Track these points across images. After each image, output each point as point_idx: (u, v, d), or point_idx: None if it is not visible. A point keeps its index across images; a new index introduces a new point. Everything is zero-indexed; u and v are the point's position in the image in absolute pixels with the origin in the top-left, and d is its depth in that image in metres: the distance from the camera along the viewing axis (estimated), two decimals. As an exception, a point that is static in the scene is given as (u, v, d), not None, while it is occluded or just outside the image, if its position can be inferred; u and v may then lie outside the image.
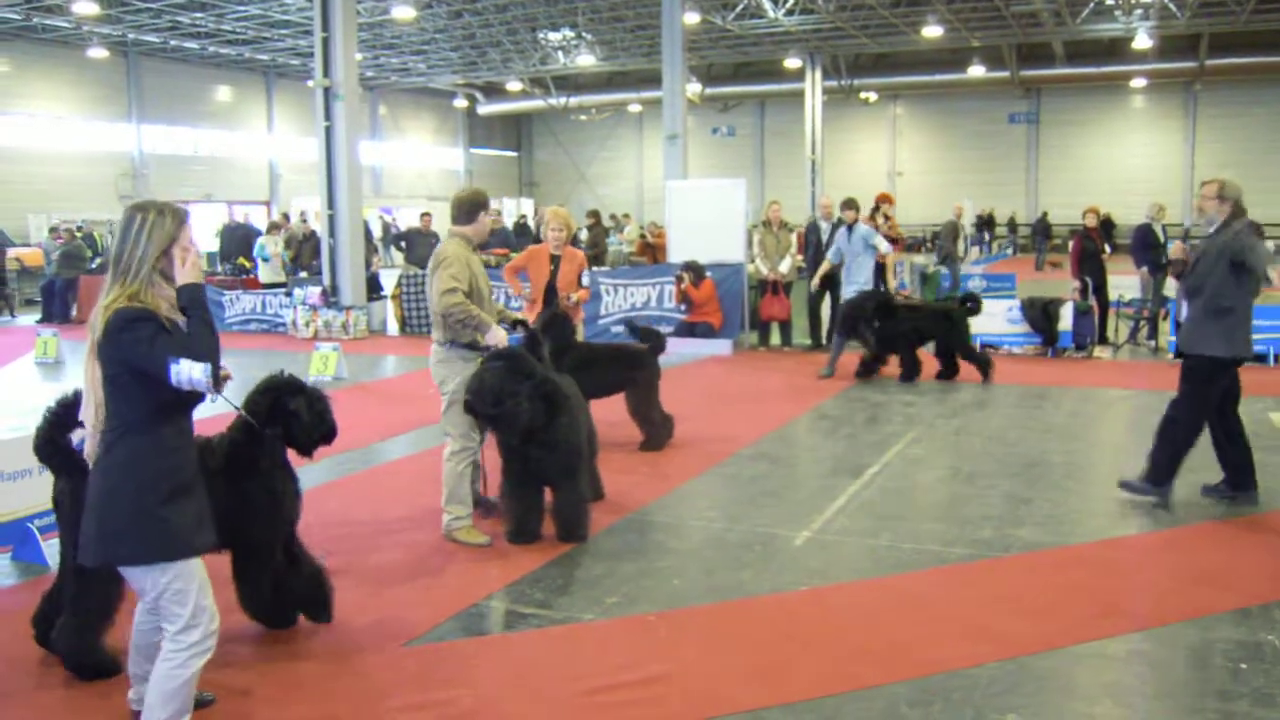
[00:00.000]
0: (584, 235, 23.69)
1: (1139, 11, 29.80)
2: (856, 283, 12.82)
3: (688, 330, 15.26)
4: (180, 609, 3.75)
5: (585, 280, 9.14)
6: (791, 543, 6.59)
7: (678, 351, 14.61)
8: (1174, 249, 7.99)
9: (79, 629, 4.71)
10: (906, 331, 12.67)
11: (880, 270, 13.08)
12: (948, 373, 12.74)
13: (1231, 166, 41.57)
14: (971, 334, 12.99)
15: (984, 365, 12.61)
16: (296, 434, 5.00)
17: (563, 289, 8.93)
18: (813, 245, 14.97)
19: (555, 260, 9.03)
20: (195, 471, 3.90)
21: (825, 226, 13.59)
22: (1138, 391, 11.87)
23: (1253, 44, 35.74)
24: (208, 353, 3.65)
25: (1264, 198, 35.61)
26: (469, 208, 6.78)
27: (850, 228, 13.02)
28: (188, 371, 3.60)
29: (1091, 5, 29.16)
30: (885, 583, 5.94)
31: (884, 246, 13.00)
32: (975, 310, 13.02)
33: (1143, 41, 32.79)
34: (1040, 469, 8.55)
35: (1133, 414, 10.94)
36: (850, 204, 13.27)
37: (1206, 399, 7.39)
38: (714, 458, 8.89)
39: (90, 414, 3.80)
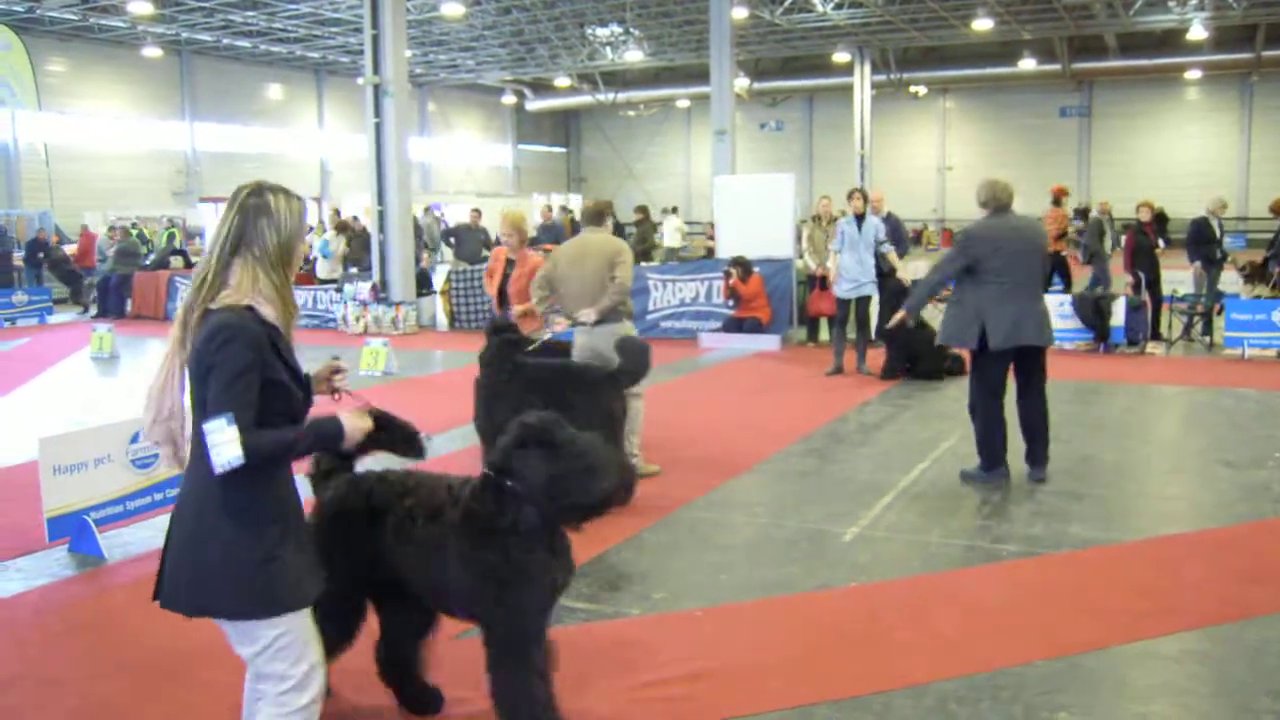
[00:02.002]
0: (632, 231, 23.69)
1: (1194, 2, 29.36)
2: (854, 279, 12.61)
3: (736, 325, 15.25)
4: (291, 668, 3.13)
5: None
6: (840, 539, 6.57)
7: (726, 346, 14.65)
8: None
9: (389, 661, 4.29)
10: (905, 342, 12.42)
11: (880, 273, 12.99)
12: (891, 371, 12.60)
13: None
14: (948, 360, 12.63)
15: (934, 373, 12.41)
16: (557, 502, 3.66)
17: (514, 295, 8.72)
18: None
19: (510, 265, 8.94)
20: (300, 504, 3.27)
21: (876, 221, 13.46)
22: (1191, 388, 11.73)
23: (1312, 34, 35.10)
24: (266, 451, 2.99)
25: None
26: (595, 214, 8.30)
27: (860, 219, 12.68)
28: (224, 442, 2.91)
29: (1145, -3, 28.78)
30: (934, 579, 5.92)
31: (891, 252, 13.08)
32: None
33: (1198, 33, 32.39)
34: (1092, 465, 8.47)
35: (1186, 411, 10.81)
36: (859, 193, 12.94)
37: None
38: (761, 454, 8.88)
39: (166, 420, 3.16)
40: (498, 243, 19.97)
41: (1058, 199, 17.77)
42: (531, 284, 8.21)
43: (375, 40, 17.93)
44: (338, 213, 24.62)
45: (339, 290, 18.67)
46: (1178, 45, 35.54)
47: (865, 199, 12.92)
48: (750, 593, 5.70)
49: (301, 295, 19.05)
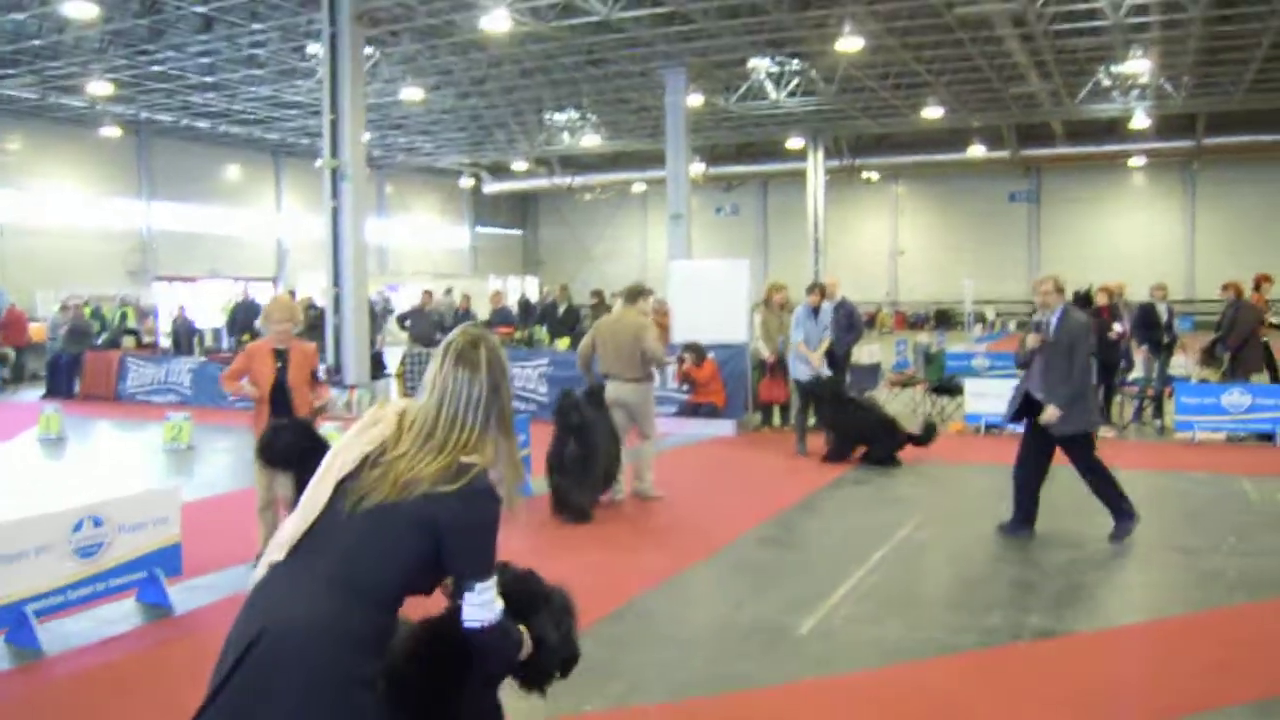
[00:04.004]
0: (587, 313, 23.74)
1: (1136, 92, 30.18)
2: (803, 357, 13.24)
3: (691, 411, 15.26)
4: None
5: (322, 375, 8.48)
6: (796, 631, 6.52)
7: (681, 432, 14.62)
8: None
9: None
10: (850, 426, 12.67)
11: (832, 357, 13.66)
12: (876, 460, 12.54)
13: (1230, 244, 41.98)
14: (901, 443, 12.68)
15: (884, 460, 12.44)
16: (538, 659, 3.34)
17: (296, 387, 7.82)
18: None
19: (281, 356, 7.88)
20: None
21: (827, 307, 13.76)
22: (1144, 472, 11.78)
23: (1248, 123, 36.18)
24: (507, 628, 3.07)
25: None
26: (635, 293, 10.45)
27: (816, 310, 13.41)
28: (489, 602, 2.97)
29: (1089, 86, 29.54)
30: (891, 673, 5.87)
31: (826, 339, 13.52)
32: (925, 442, 12.75)
33: (1140, 121, 33.25)
34: (1047, 552, 8.48)
35: (1140, 495, 10.78)
36: (819, 289, 13.79)
37: None
38: (718, 542, 8.83)
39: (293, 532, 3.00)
40: (542, 319, 19.73)
41: (1259, 284, 17.35)
42: (577, 352, 10.58)
43: (334, 124, 18.03)
44: (292, 294, 24.54)
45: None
46: (1122, 133, 36.45)
47: (823, 294, 13.66)
48: (708, 687, 5.62)
49: (255, 378, 18.88)
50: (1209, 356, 16.09)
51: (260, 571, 3.00)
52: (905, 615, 6.84)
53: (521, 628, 3.21)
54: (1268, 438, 13.56)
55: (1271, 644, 6.32)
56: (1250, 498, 10.43)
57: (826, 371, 13.23)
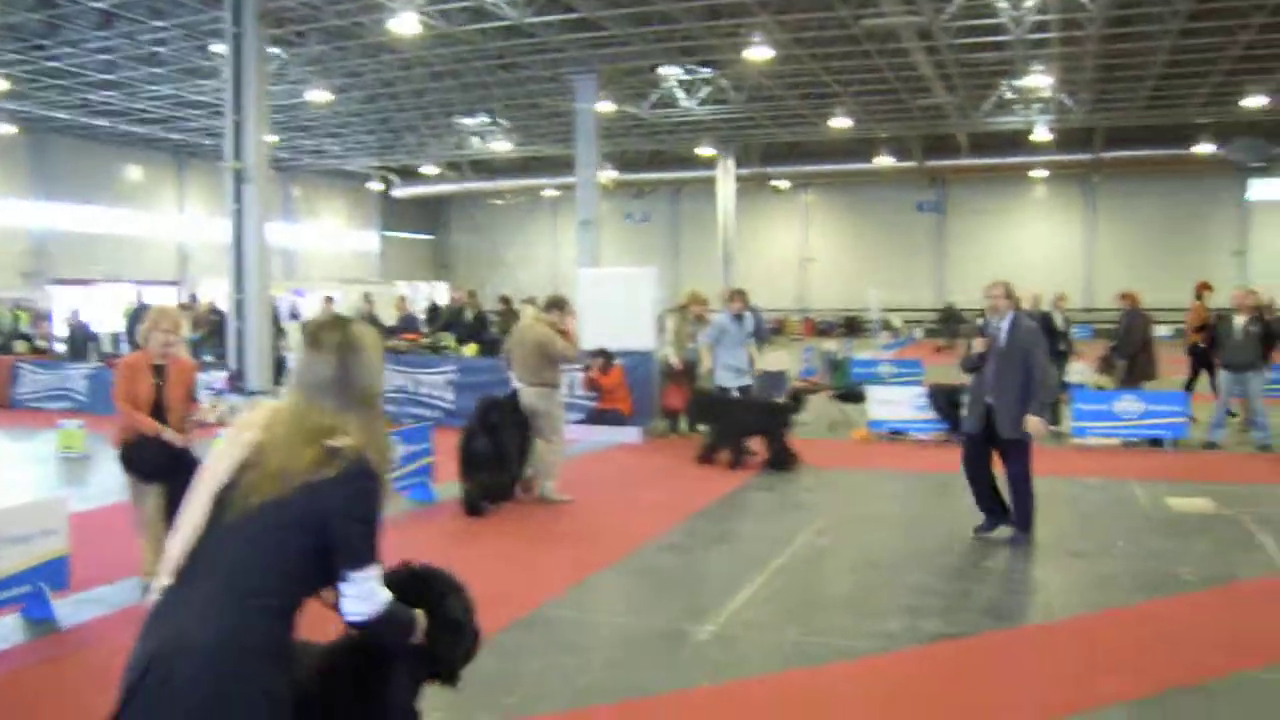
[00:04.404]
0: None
1: (1037, 105, 30.86)
2: (736, 369, 13.45)
3: (597, 418, 15.23)
4: None
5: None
6: (696, 637, 6.52)
7: (588, 439, 14.57)
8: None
9: None
10: (735, 423, 12.94)
11: None
12: (776, 463, 12.66)
13: (1128, 254, 43.16)
14: (792, 427, 13.01)
15: (784, 461, 12.57)
16: (444, 654, 3.33)
17: (173, 407, 7.36)
18: None
19: (160, 372, 7.35)
20: None
21: (750, 317, 14.01)
22: (1040, 478, 11.98)
23: (1146, 137, 37.25)
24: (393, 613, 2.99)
25: (1158, 284, 36.88)
26: (552, 303, 11.03)
27: (740, 317, 13.56)
28: (375, 592, 2.90)
29: (993, 99, 30.14)
30: (788, 678, 5.90)
31: (751, 345, 13.91)
32: (795, 409, 13.14)
33: (1042, 134, 33.99)
34: (945, 558, 8.62)
35: (1037, 499, 11.07)
36: (740, 295, 13.99)
37: None
38: (621, 550, 8.81)
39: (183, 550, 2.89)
40: (447, 327, 19.56)
41: (1199, 294, 17.61)
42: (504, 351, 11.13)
43: (237, 125, 17.66)
44: (193, 299, 24.07)
45: (192, 379, 18.11)
46: (1024, 145, 37.21)
47: (745, 301, 13.82)
48: (606, 696, 5.60)
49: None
50: (1105, 364, 16.49)
51: (153, 597, 2.90)
52: (804, 621, 6.88)
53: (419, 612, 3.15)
54: (1158, 443, 13.92)
55: (1157, 643, 6.47)
56: (1140, 502, 10.70)
57: (749, 368, 13.58)
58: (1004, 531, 9.05)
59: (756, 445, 12.93)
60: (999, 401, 8.79)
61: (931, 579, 7.93)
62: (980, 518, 9.20)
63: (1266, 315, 14.65)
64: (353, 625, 2.92)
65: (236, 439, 2.97)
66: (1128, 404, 14.15)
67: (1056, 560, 8.57)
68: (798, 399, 13.30)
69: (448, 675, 3.40)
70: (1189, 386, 16.08)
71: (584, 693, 5.64)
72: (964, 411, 10.75)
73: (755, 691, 5.72)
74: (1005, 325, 8.89)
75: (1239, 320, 13.64)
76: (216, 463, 2.94)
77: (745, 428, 12.88)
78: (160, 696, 2.68)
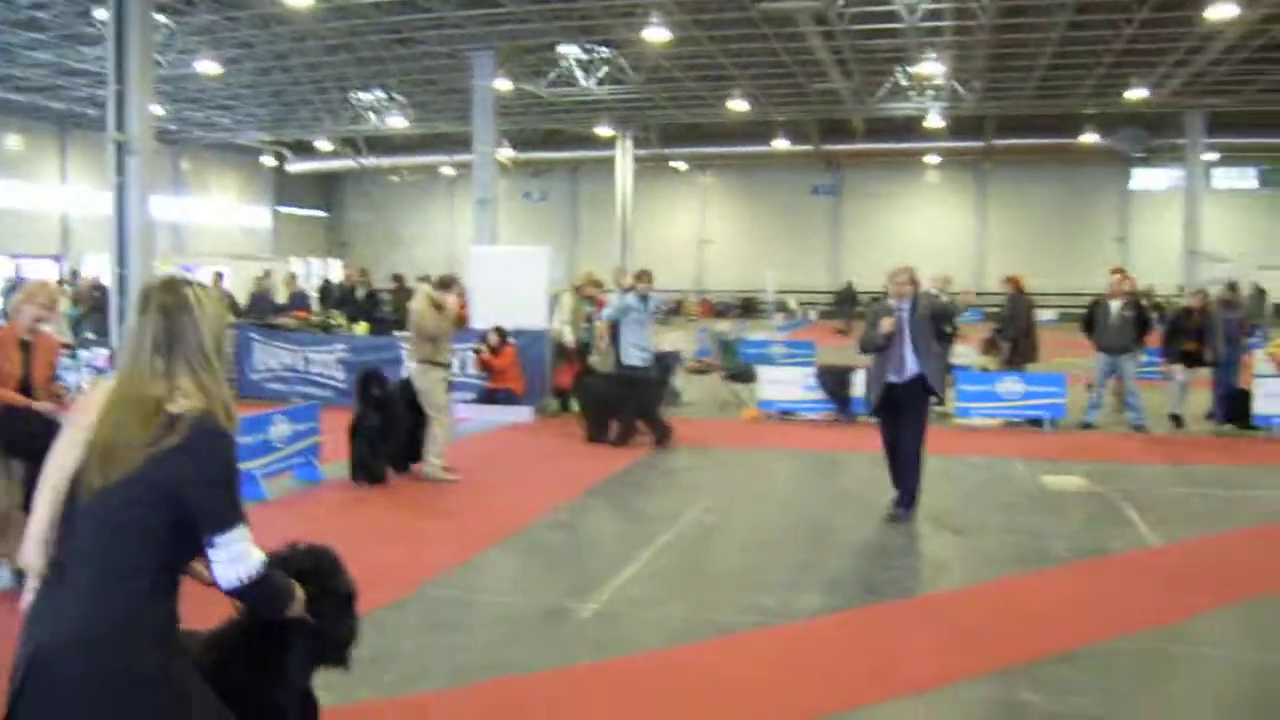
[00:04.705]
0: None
1: (931, 93, 31.41)
2: (644, 348, 13.60)
3: (489, 397, 15.16)
4: None
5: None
6: (579, 615, 6.55)
7: (480, 419, 14.51)
8: None
9: None
10: (606, 401, 13.19)
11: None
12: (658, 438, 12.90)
13: (1017, 239, 44.22)
14: (662, 401, 13.45)
15: (662, 432, 12.86)
16: (333, 632, 3.32)
17: (40, 384, 7.00)
18: None
19: (26, 348, 6.96)
20: None
21: (657, 298, 14.21)
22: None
23: (1034, 126, 38.17)
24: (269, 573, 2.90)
25: (1045, 269, 37.91)
26: (442, 282, 11.14)
27: (645, 296, 13.65)
28: (247, 553, 2.80)
29: (887, 86, 30.59)
30: (667, 655, 5.96)
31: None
32: (663, 382, 13.61)
33: (934, 121, 34.66)
34: (827, 535, 8.77)
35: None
36: (647, 274, 13.95)
37: None
38: (509, 528, 8.80)
39: (41, 545, 2.83)
40: (341, 303, 19.13)
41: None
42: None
43: (120, 96, 17.10)
44: (75, 274, 23.39)
45: (72, 356, 17.60)
46: (918, 132, 37.87)
47: (651, 280, 13.86)
48: (484, 674, 5.60)
49: (31, 361, 17.88)
50: (989, 346, 16.88)
51: (28, 595, 2.81)
52: (687, 597, 6.96)
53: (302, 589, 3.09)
54: (1038, 423, 14.32)
55: (1025, 615, 6.67)
56: (1018, 480, 11.02)
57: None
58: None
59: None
60: (925, 366, 8.98)
61: (813, 555, 8.08)
62: (882, 493, 9.39)
63: (1141, 300, 15.12)
64: (231, 593, 2.82)
65: (77, 422, 2.86)
66: (1010, 385, 14.52)
67: (936, 536, 8.78)
68: (666, 371, 13.49)
69: (338, 656, 3.38)
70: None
71: (463, 670, 5.64)
72: (861, 392, 11.10)
73: (634, 668, 5.77)
74: (907, 306, 9.08)
75: (1114, 305, 14.07)
76: (61, 452, 2.84)
77: (617, 405, 13.01)
78: (48, 696, 2.62)
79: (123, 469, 2.71)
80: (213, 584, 2.84)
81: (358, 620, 3.42)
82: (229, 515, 2.77)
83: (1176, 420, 14.43)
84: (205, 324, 2.92)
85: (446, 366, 10.94)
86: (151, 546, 2.72)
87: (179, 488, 2.71)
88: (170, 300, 2.91)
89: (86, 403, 2.91)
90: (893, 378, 9.07)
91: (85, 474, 2.75)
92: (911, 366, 9.00)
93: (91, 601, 2.65)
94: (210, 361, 2.90)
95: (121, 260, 17.21)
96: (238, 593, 2.82)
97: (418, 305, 10.75)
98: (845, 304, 38.04)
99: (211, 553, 2.75)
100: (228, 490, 2.79)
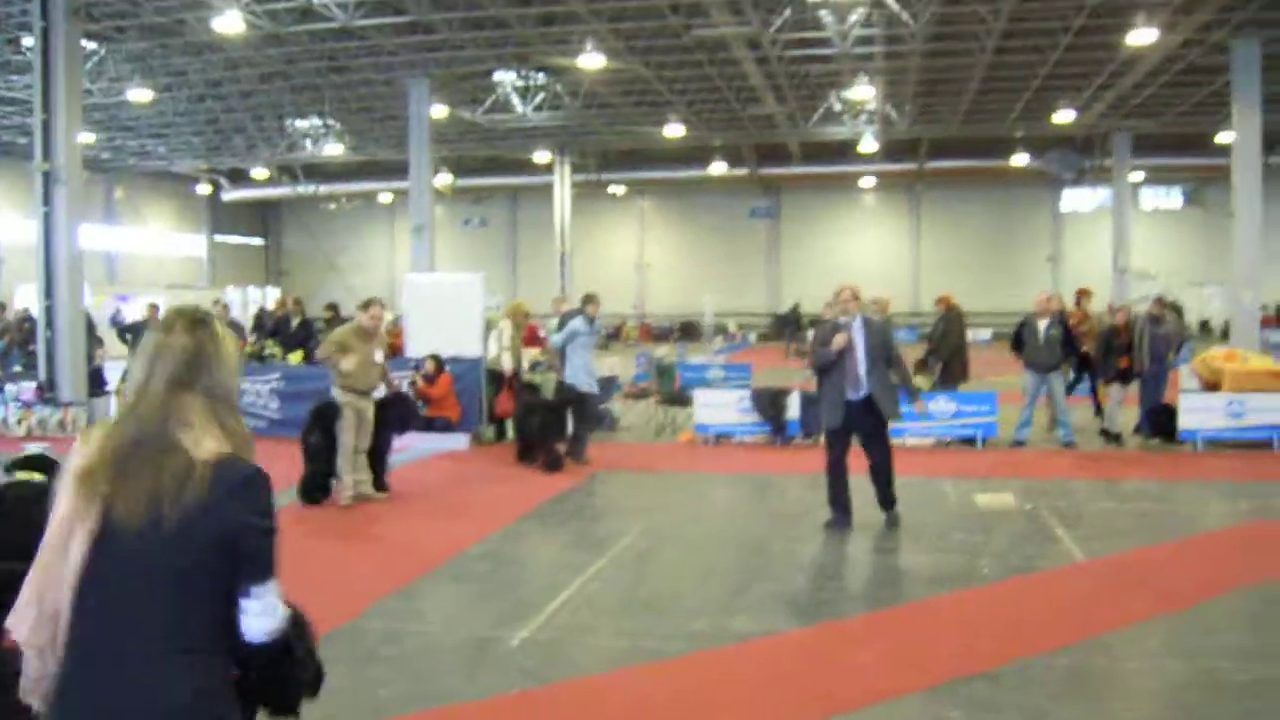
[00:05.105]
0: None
1: (864, 116, 31.80)
2: (586, 368, 13.53)
3: (426, 425, 15.04)
4: None
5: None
6: (508, 644, 6.53)
7: (414, 447, 14.41)
8: None
9: None
10: (533, 424, 13.36)
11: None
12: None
13: (950, 259, 44.83)
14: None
15: (577, 453, 13.23)
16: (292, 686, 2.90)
17: None
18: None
19: None
20: None
21: (598, 324, 14.30)
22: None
23: (966, 149, 38.74)
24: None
25: (978, 288, 38.45)
26: (363, 304, 11.27)
27: (592, 320, 13.64)
28: (276, 607, 2.60)
29: (821, 110, 30.93)
30: (596, 682, 5.96)
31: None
32: (582, 409, 13.53)
33: (869, 145, 35.04)
34: (761, 557, 8.82)
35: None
36: (595, 299, 13.94)
37: None
38: (439, 558, 8.75)
39: (52, 617, 2.52)
40: (274, 333, 18.81)
41: (1079, 300, 17.64)
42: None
43: (46, 124, 16.93)
44: (2, 307, 23.00)
45: (-1, 390, 17.29)
46: (852, 155, 38.27)
47: (598, 303, 13.90)
48: (408, 706, 5.56)
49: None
50: (922, 366, 17.06)
51: (37, 664, 2.52)
52: (618, 623, 6.97)
53: None
54: (970, 442, 14.49)
55: (950, 632, 6.75)
56: (949, 498, 11.14)
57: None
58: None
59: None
60: (879, 390, 9.32)
61: (746, 578, 8.12)
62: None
63: (1068, 320, 15.35)
64: (253, 649, 2.59)
65: (79, 477, 2.54)
66: (941, 404, 14.67)
67: (866, 557, 8.87)
68: (581, 398, 13.45)
69: (289, 705, 2.97)
70: (1071, 388, 16.15)
71: (387, 704, 5.60)
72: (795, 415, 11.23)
73: (564, 695, 5.77)
74: (857, 324, 9.43)
75: (1041, 323, 14.29)
76: (68, 506, 2.52)
77: (543, 427, 13.13)
78: None
79: (158, 523, 2.46)
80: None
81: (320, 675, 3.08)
82: (271, 565, 2.58)
83: (1115, 438, 14.62)
84: (230, 360, 2.74)
85: (361, 392, 11.02)
86: (205, 602, 2.51)
87: (227, 536, 2.50)
88: (196, 333, 2.70)
89: (86, 453, 2.58)
90: (851, 395, 9.32)
91: (112, 530, 2.47)
92: (866, 383, 9.30)
93: (158, 673, 2.44)
94: (234, 401, 2.73)
95: (49, 291, 16.99)
96: (260, 646, 2.59)
97: (332, 333, 11.55)
98: (789, 325, 38.01)
99: (245, 603, 2.54)
100: (272, 537, 2.60)
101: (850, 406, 9.36)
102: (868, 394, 9.32)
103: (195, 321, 2.72)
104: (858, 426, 9.51)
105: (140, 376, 2.65)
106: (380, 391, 11.38)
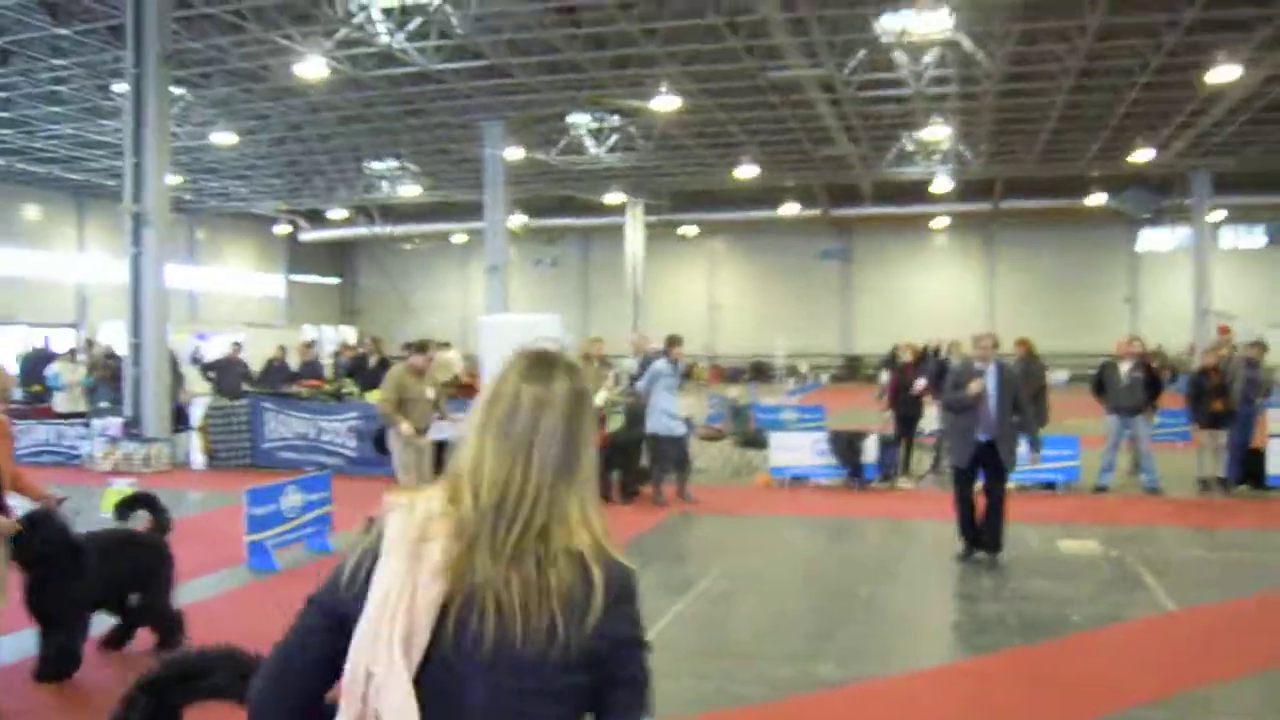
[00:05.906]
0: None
1: (937, 156, 31.66)
2: (669, 411, 13.58)
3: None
4: None
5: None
6: (592, 686, 6.51)
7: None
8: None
9: None
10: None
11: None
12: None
13: (1025, 301, 44.29)
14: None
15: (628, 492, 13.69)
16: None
17: (9, 474, 6.45)
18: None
19: None
20: None
21: (632, 364, 14.23)
22: (937, 522, 12.20)
23: (1042, 189, 38.38)
24: None
25: (1054, 330, 37.88)
26: (417, 347, 11.49)
27: (675, 362, 13.82)
28: None
29: (895, 150, 30.85)
30: (682, 726, 5.93)
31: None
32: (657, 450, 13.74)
33: (942, 185, 34.85)
34: (843, 602, 8.72)
35: (931, 544, 11.27)
36: (678, 341, 14.24)
37: None
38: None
39: None
40: (350, 374, 19.17)
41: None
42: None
43: (136, 167, 17.40)
44: (89, 342, 23.55)
45: (86, 425, 17.70)
46: (926, 195, 38.10)
47: (682, 345, 14.29)
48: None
49: (44, 430, 17.99)
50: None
51: None
52: (698, 667, 6.92)
53: None
54: (1051, 486, 14.26)
55: (1043, 685, 6.62)
56: (1031, 544, 10.94)
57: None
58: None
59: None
60: (1001, 436, 9.83)
61: (827, 623, 8.04)
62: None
63: (1151, 361, 15.08)
64: None
65: (417, 560, 1.93)
66: (1023, 448, 14.42)
67: (950, 603, 8.74)
68: (657, 440, 13.66)
69: None
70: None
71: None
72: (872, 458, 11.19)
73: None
74: (993, 370, 9.87)
75: (1124, 366, 14.05)
76: (399, 597, 1.90)
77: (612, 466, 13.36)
78: None
79: (535, 634, 1.93)
80: None
81: None
82: (648, 693, 2.07)
83: (1222, 484, 14.06)
84: (594, 423, 2.15)
85: (419, 431, 11.12)
86: None
87: (602, 655, 1.97)
88: (576, 391, 2.09)
89: (417, 531, 1.96)
90: (982, 436, 9.83)
91: (467, 641, 1.93)
92: (995, 426, 9.82)
93: None
94: (594, 478, 2.12)
95: (136, 329, 17.38)
96: None
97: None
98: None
99: None
100: (646, 656, 2.08)
101: (978, 447, 9.90)
102: (995, 438, 9.81)
103: (571, 375, 2.11)
104: (983, 466, 9.98)
105: (500, 441, 2.02)
106: (439, 431, 11.47)
